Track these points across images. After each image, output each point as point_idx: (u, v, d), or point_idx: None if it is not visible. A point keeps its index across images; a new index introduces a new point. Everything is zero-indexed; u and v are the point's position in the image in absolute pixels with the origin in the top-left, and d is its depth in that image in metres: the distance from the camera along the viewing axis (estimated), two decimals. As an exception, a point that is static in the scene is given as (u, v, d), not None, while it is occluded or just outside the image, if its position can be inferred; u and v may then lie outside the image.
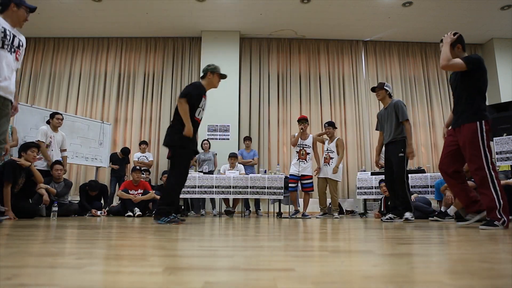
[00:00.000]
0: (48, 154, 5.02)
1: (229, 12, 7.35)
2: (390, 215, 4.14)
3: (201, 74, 3.71)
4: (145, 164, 6.89)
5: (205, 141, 6.79)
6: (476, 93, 2.80)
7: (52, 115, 5.24)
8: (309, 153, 5.49)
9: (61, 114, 5.34)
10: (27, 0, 3.03)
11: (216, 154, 6.79)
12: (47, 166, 5.01)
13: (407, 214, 3.91)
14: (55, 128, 5.20)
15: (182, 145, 3.39)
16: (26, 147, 4.28)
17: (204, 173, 5.94)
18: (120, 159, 6.88)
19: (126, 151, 6.97)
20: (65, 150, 5.35)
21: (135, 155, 7.09)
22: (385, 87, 4.23)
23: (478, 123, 2.73)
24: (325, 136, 5.81)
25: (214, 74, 3.63)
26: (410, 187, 4.16)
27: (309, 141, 5.54)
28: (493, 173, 2.64)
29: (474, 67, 2.78)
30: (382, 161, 6.29)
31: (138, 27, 7.94)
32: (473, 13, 7.26)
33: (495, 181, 2.63)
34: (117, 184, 6.80)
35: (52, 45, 8.39)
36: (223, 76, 3.68)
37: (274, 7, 7.13)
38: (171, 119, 3.52)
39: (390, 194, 4.29)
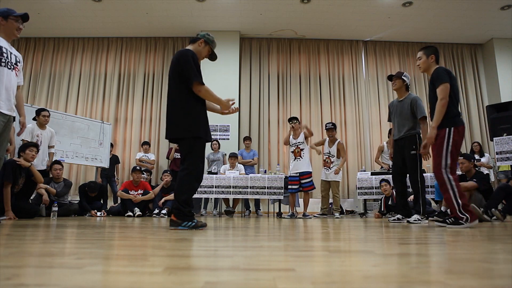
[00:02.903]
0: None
1: (229, 12, 7.35)
2: (398, 215, 3.95)
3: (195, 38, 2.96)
4: (148, 162, 7.04)
5: (215, 142, 6.85)
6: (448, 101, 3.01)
7: (38, 112, 5.00)
8: (303, 149, 5.49)
9: (48, 111, 5.12)
10: (22, 9, 3.03)
11: (225, 154, 6.81)
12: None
13: (415, 216, 3.66)
14: (42, 125, 5.00)
15: (199, 136, 2.62)
16: (24, 146, 4.27)
17: (214, 173, 5.95)
18: (109, 159, 6.91)
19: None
20: (52, 146, 5.18)
21: (138, 154, 7.24)
22: (403, 77, 4.00)
23: (447, 129, 2.98)
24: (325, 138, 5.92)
25: (207, 46, 2.90)
26: (425, 187, 3.98)
27: (301, 138, 5.55)
28: (450, 176, 2.92)
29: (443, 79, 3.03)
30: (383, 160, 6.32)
31: (138, 27, 7.94)
32: (473, 13, 7.26)
33: (452, 183, 2.91)
34: (107, 184, 6.85)
35: (52, 45, 8.38)
36: (213, 56, 2.98)
37: (274, 7, 7.13)
38: (172, 103, 2.69)
39: (397, 192, 4.11)
